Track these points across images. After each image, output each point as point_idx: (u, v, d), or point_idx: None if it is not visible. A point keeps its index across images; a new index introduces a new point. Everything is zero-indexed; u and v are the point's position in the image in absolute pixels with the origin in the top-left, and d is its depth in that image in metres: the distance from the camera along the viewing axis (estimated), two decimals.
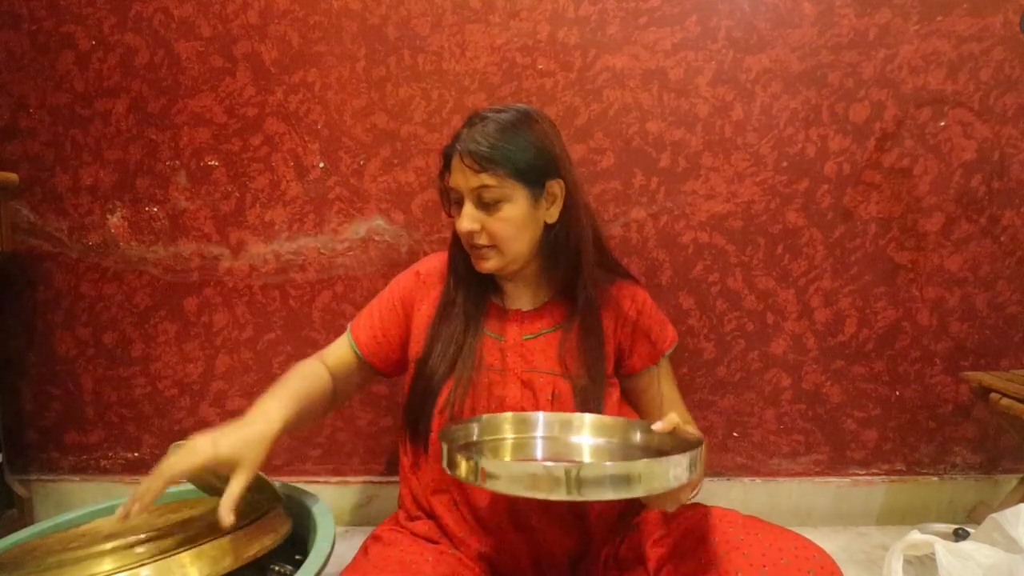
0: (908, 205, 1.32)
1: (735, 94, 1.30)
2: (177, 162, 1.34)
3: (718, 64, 1.29)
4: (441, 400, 0.87)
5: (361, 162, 1.33)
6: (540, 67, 1.29)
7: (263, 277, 1.36)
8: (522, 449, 0.81)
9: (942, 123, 1.29)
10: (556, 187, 0.86)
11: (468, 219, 0.84)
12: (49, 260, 1.37)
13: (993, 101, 1.29)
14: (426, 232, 1.34)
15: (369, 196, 1.33)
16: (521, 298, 0.94)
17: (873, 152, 1.31)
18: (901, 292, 1.35)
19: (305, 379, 0.90)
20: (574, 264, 0.89)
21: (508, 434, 0.82)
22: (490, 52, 1.29)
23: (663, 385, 0.97)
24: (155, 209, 1.36)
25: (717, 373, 1.37)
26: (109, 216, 1.36)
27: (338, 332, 1.42)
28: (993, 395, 1.15)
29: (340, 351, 0.99)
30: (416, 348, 0.93)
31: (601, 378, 0.88)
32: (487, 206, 0.83)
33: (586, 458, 0.80)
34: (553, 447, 0.82)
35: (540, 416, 0.84)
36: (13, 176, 1.29)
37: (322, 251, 1.35)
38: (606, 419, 0.83)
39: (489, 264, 0.86)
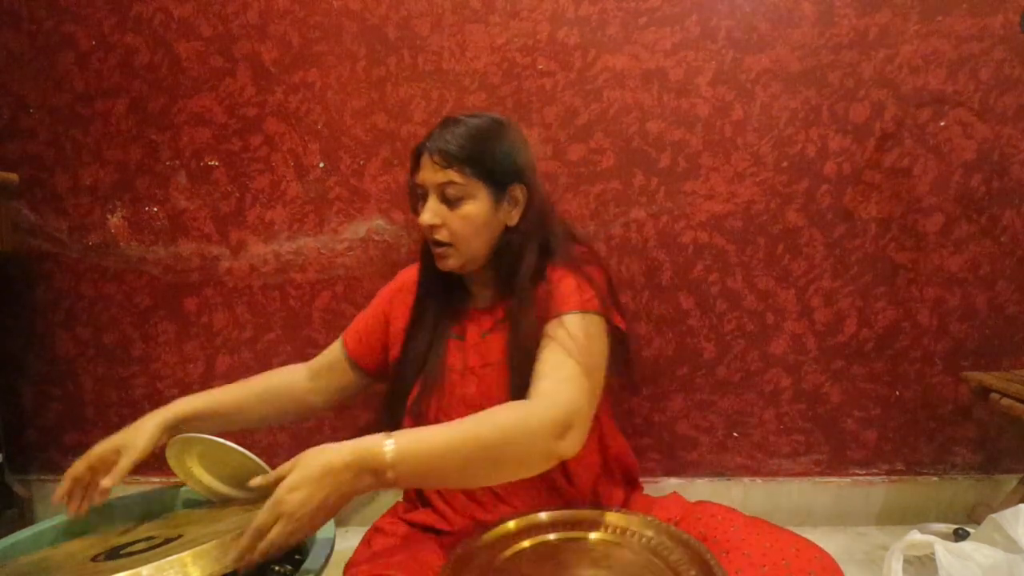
0: (908, 205, 1.32)
1: (735, 94, 1.29)
2: (177, 162, 1.34)
3: (718, 64, 1.29)
4: (410, 401, 0.91)
5: (361, 162, 1.33)
6: (540, 67, 1.29)
7: (263, 277, 1.36)
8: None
9: (942, 123, 1.29)
10: (519, 192, 0.88)
11: (430, 213, 0.87)
12: (49, 260, 1.37)
13: (993, 101, 1.28)
14: None
15: (369, 196, 1.33)
16: (484, 296, 0.96)
17: (873, 152, 1.31)
18: (901, 292, 1.35)
19: (261, 378, 1.02)
20: (531, 265, 0.88)
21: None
22: (490, 52, 1.29)
23: (543, 351, 0.81)
24: (155, 209, 1.35)
25: (717, 373, 1.37)
26: (109, 216, 1.36)
27: (338, 332, 1.42)
28: (993, 395, 1.15)
29: (330, 352, 1.06)
30: (394, 353, 0.98)
31: (526, 368, 0.82)
32: (450, 202, 0.86)
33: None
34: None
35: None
36: (13, 176, 1.29)
37: (322, 251, 1.35)
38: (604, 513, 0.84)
39: (449, 263, 0.89)
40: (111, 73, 1.32)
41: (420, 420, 0.89)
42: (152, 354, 1.39)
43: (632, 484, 1.01)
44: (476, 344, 0.92)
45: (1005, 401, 1.12)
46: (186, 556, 0.65)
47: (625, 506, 0.94)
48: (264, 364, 1.38)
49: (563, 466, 0.84)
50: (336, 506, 0.66)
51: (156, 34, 1.30)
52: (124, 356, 1.39)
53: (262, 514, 0.63)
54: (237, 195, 1.34)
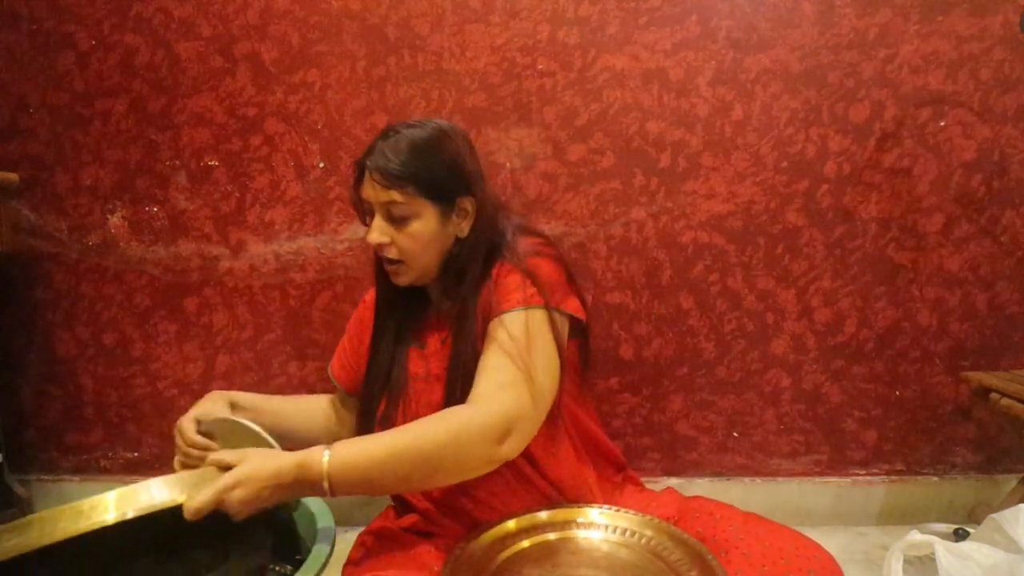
0: (908, 205, 1.32)
1: (735, 94, 1.29)
2: (177, 162, 1.34)
3: (718, 64, 1.29)
4: (379, 413, 0.92)
5: None
6: (540, 67, 1.29)
7: (263, 277, 1.36)
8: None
9: (942, 123, 1.29)
10: (467, 204, 0.86)
11: (377, 232, 0.84)
12: (49, 260, 1.37)
13: (993, 101, 1.28)
14: None
15: None
16: (443, 303, 0.93)
17: (873, 152, 1.31)
18: (901, 292, 1.35)
19: (303, 397, 1.08)
20: (476, 273, 0.87)
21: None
22: (490, 52, 1.29)
23: (485, 353, 0.81)
24: (155, 209, 1.35)
25: (717, 373, 1.37)
26: (109, 216, 1.36)
27: (338, 332, 1.42)
28: (993, 395, 1.15)
29: (333, 386, 1.07)
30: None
31: (464, 372, 0.83)
32: (396, 221, 0.84)
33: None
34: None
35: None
36: (13, 176, 1.29)
37: (322, 251, 1.35)
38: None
39: (402, 279, 0.88)
40: (111, 73, 1.32)
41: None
42: (152, 354, 1.39)
43: (617, 469, 0.99)
44: (437, 351, 0.91)
45: (1005, 401, 1.12)
46: (171, 479, 0.66)
47: (617, 497, 0.94)
48: (264, 364, 1.38)
49: (529, 457, 0.84)
50: (270, 505, 0.69)
51: (156, 34, 1.30)
52: (124, 356, 1.39)
53: (205, 497, 0.64)
54: (237, 195, 1.34)
